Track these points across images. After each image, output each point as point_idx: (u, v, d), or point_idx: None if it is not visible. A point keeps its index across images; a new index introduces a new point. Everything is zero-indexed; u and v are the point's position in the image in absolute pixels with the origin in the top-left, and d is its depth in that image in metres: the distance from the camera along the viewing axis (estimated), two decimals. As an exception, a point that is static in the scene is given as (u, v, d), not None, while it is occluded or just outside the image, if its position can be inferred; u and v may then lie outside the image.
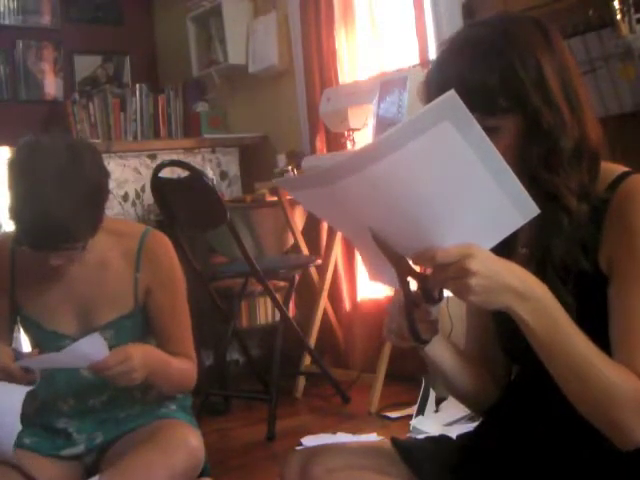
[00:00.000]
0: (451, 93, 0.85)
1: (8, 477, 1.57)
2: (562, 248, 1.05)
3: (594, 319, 1.02)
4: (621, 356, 0.99)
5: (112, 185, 3.64)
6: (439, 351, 1.18)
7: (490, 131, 0.96)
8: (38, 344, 1.75)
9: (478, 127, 0.88)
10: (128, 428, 1.73)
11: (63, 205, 1.50)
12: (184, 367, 1.75)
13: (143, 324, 1.76)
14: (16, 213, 1.54)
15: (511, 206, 0.93)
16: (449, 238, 0.94)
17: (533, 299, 0.96)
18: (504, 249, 0.98)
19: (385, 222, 0.96)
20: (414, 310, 1.04)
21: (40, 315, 1.73)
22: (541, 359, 0.99)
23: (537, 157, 1.04)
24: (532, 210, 0.94)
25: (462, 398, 1.27)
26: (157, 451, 1.60)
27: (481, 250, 0.93)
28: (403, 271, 0.99)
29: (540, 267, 1.06)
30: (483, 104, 1.02)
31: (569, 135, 1.05)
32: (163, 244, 1.78)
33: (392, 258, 0.98)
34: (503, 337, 1.21)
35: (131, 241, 1.75)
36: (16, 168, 1.56)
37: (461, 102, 0.85)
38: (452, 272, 0.93)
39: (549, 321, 0.96)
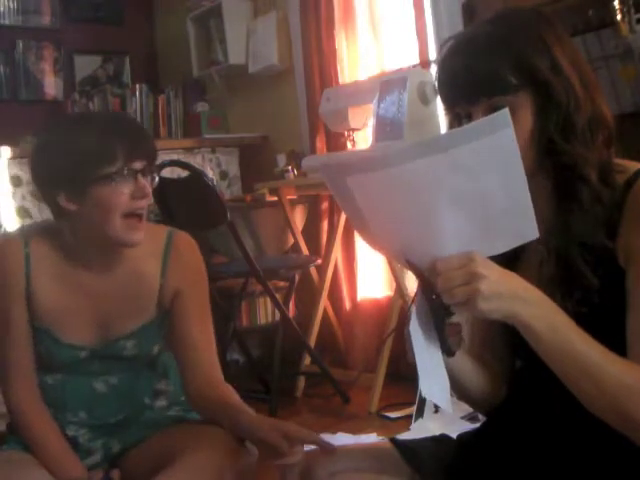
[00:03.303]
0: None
1: (28, 471, 1.53)
2: (583, 222, 1.04)
3: (616, 302, 1.01)
4: (634, 351, 0.98)
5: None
6: (459, 359, 1.15)
7: None
8: (49, 357, 1.62)
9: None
10: (145, 435, 1.65)
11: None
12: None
13: (161, 330, 1.66)
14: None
15: (516, 224, 0.94)
16: (448, 247, 0.93)
17: (536, 304, 0.95)
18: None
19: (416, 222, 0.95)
20: (444, 324, 1.00)
21: (58, 327, 1.59)
22: (548, 364, 0.98)
23: (554, 126, 1.04)
24: (533, 233, 0.94)
25: (470, 399, 1.26)
26: (222, 453, 1.51)
27: (482, 256, 0.93)
28: (430, 288, 0.96)
29: (560, 254, 1.05)
30: (493, 86, 1.03)
31: (582, 108, 1.05)
32: (191, 245, 1.67)
33: (418, 275, 0.97)
34: (511, 331, 1.20)
35: (157, 243, 1.62)
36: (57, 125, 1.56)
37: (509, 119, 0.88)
38: (460, 277, 0.91)
39: (553, 326, 0.95)
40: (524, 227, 0.94)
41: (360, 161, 0.92)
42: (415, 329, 1.00)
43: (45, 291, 1.58)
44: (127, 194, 1.48)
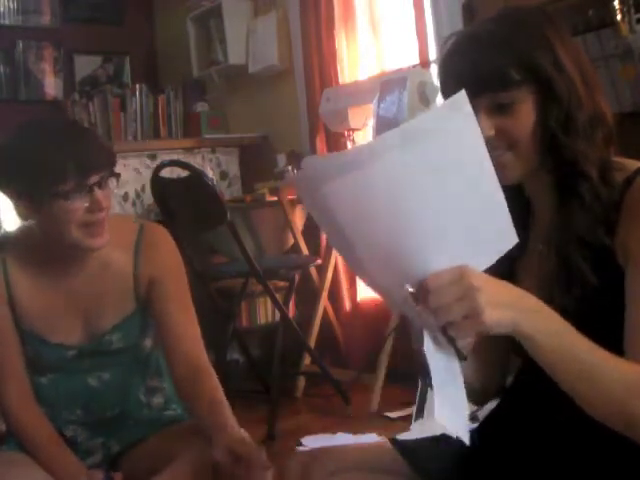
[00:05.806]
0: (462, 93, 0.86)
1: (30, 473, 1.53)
2: (582, 218, 1.04)
3: (615, 300, 1.01)
4: (631, 349, 0.98)
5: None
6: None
7: (507, 108, 1.01)
8: (38, 359, 1.63)
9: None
10: (142, 435, 1.67)
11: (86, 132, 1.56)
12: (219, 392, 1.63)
13: (143, 322, 1.68)
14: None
15: (494, 233, 0.90)
16: (434, 264, 0.87)
17: (534, 312, 0.93)
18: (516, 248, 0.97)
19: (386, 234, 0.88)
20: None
21: (44, 328, 1.60)
22: (549, 373, 0.96)
23: (555, 121, 1.04)
24: (512, 239, 0.91)
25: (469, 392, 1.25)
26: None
27: (473, 268, 0.88)
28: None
29: (560, 251, 1.05)
30: (496, 81, 1.03)
31: (583, 105, 1.05)
32: (163, 234, 1.69)
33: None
34: None
35: (129, 235, 1.64)
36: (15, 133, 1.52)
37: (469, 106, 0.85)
38: (454, 293, 0.86)
39: (554, 332, 0.93)
40: (503, 232, 0.90)
41: (328, 165, 0.85)
42: (430, 351, 0.93)
43: (26, 293, 1.60)
44: (82, 209, 1.48)
